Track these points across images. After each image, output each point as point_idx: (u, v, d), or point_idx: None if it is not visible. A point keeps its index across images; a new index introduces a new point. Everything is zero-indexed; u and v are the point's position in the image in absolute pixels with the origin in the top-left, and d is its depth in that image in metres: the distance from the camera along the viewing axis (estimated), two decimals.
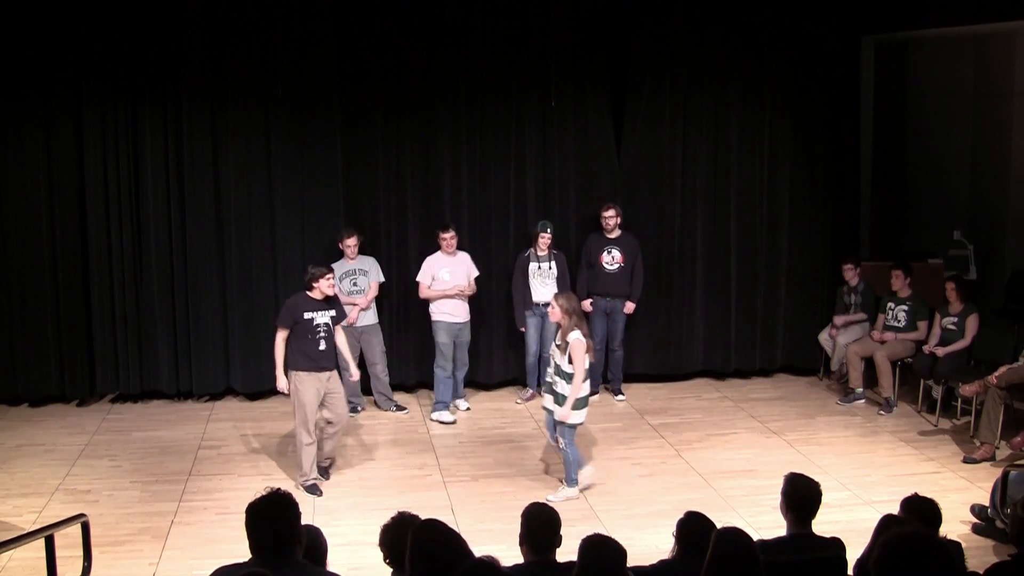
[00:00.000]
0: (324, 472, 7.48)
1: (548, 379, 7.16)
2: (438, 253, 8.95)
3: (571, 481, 7.12)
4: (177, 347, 9.23)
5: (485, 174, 9.50)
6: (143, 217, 9.03)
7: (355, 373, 7.69)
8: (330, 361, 7.27)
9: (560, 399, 6.97)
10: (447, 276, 8.85)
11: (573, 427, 7.06)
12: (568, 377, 6.90)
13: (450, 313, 8.86)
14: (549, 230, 9.02)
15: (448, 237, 8.87)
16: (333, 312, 7.29)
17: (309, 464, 7.24)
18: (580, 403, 6.99)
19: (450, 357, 8.92)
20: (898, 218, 11.18)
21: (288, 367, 7.19)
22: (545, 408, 7.26)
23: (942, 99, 10.76)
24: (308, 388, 7.14)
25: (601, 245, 9.24)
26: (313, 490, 7.19)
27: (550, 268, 9.08)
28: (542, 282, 9.08)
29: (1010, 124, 9.89)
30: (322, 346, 7.18)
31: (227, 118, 9.02)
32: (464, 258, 9.06)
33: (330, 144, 9.20)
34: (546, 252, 9.08)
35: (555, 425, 7.14)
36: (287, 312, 7.22)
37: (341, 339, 7.45)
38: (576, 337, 6.86)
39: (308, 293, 7.21)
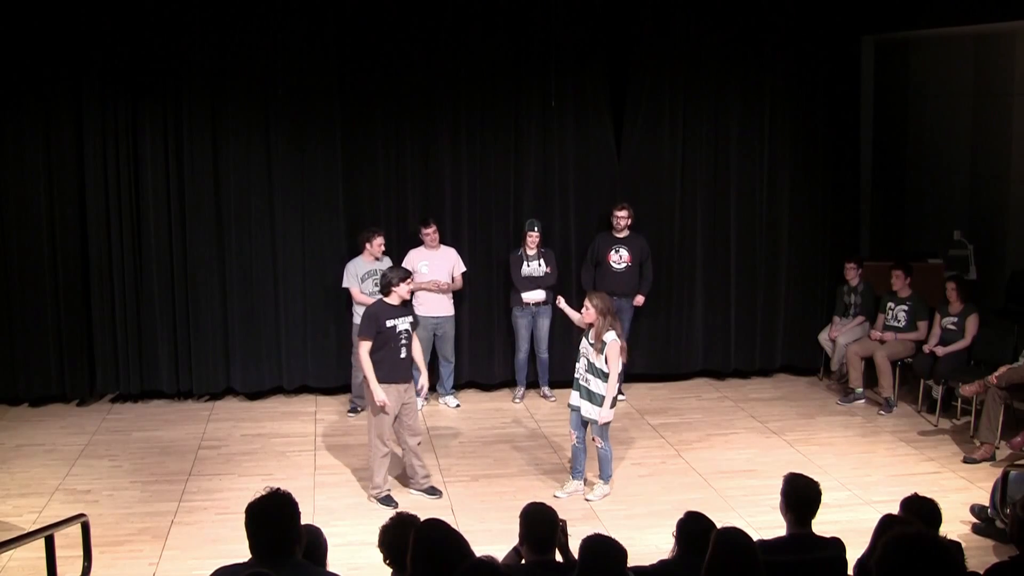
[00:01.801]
0: (433, 490, 7.19)
1: (577, 375, 7.09)
2: (420, 247, 9.00)
3: (607, 477, 7.18)
4: (177, 347, 9.23)
5: (485, 174, 9.49)
6: (143, 217, 9.02)
7: (424, 383, 7.38)
8: (409, 371, 7.02)
9: (595, 398, 6.95)
10: (425, 269, 8.91)
11: (606, 425, 7.07)
12: (604, 376, 6.90)
13: (423, 306, 8.87)
14: (536, 228, 9.04)
15: (430, 232, 8.90)
16: (411, 318, 7.04)
17: (382, 476, 6.99)
18: (612, 402, 7.02)
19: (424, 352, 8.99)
20: (898, 218, 11.18)
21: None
22: (571, 406, 7.16)
23: (942, 99, 10.76)
24: (387, 399, 6.88)
25: (609, 244, 9.25)
26: (388, 501, 6.93)
27: (539, 265, 9.10)
28: (532, 281, 9.12)
29: (1010, 124, 9.89)
30: (403, 354, 6.93)
31: (227, 118, 9.02)
32: (449, 253, 9.07)
33: (330, 144, 9.20)
34: (535, 251, 9.09)
35: (582, 423, 7.12)
36: (369, 322, 6.91)
37: (417, 346, 7.17)
38: (612, 338, 6.87)
39: (385, 300, 6.95)
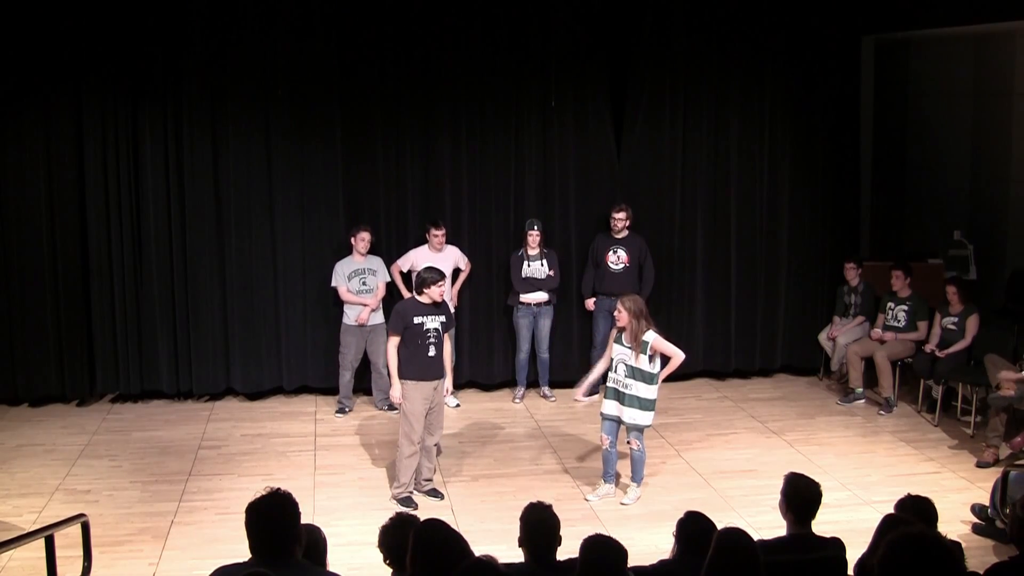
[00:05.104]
0: (435, 492, 7.17)
1: (612, 384, 6.97)
2: (424, 247, 8.98)
3: (639, 480, 7.12)
4: (177, 347, 9.23)
5: (485, 174, 9.49)
6: (143, 217, 9.02)
7: (449, 386, 7.34)
8: (439, 369, 6.98)
9: (644, 403, 6.86)
10: None
11: (645, 428, 7.00)
12: (649, 378, 6.83)
13: None
14: (537, 227, 9.04)
15: (440, 234, 8.90)
16: (443, 317, 6.99)
17: (408, 476, 6.97)
18: (653, 404, 6.94)
19: None
20: (898, 218, 11.18)
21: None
22: (606, 415, 7.02)
23: (942, 99, 10.76)
24: (415, 397, 6.87)
25: (607, 245, 9.25)
26: (408, 503, 6.90)
27: (541, 266, 9.10)
28: (532, 283, 9.12)
29: (1010, 124, 9.89)
30: (431, 352, 6.88)
31: (227, 118, 9.02)
32: (450, 252, 9.06)
33: (330, 144, 9.20)
34: (537, 250, 9.08)
35: (618, 429, 7.04)
36: (397, 317, 6.90)
37: (448, 348, 7.17)
38: (653, 336, 6.80)
39: (418, 298, 6.96)
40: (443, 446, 8.19)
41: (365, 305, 8.81)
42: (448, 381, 7.30)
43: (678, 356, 6.92)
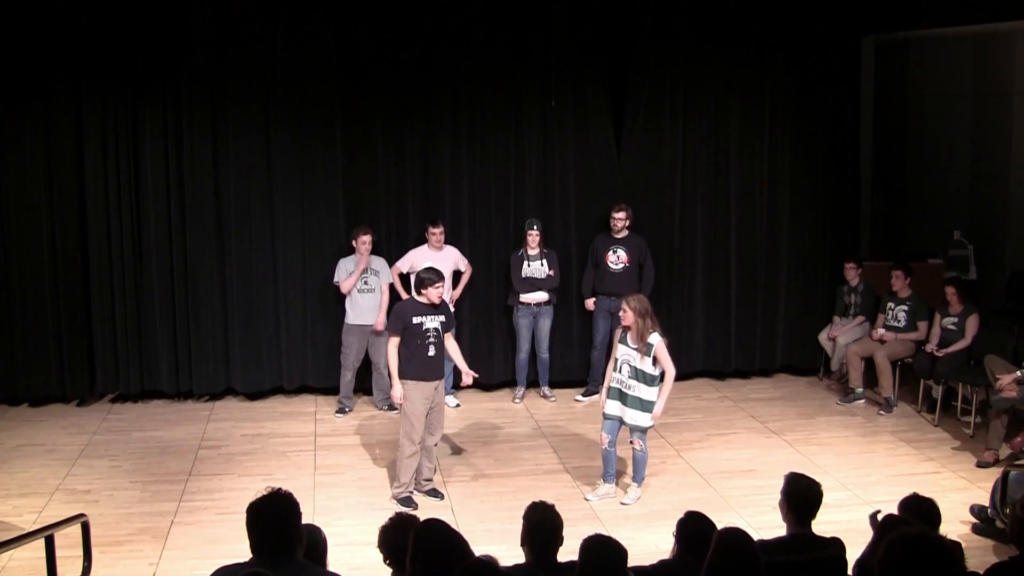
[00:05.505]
0: (435, 492, 7.17)
1: (615, 384, 6.95)
2: (424, 247, 8.98)
3: (641, 480, 7.11)
4: (177, 347, 9.23)
5: (485, 174, 9.50)
6: (143, 217, 9.02)
7: (467, 379, 7.37)
8: (439, 369, 6.99)
9: (646, 404, 6.85)
10: None
11: (647, 429, 6.99)
12: (651, 380, 6.81)
13: None
14: (536, 227, 9.04)
15: (438, 232, 8.90)
16: (443, 317, 6.99)
17: (408, 476, 6.98)
18: (652, 406, 6.91)
19: None
20: (898, 218, 11.19)
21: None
22: (608, 415, 7.00)
23: (942, 99, 10.77)
24: (416, 397, 6.87)
25: (607, 245, 9.24)
26: (408, 503, 6.91)
27: (541, 266, 9.10)
28: (532, 283, 9.12)
29: (1010, 124, 9.90)
30: (431, 352, 6.88)
31: (227, 118, 9.02)
32: (450, 252, 9.06)
33: (330, 144, 9.20)
34: (537, 250, 9.08)
35: (618, 429, 7.03)
36: (397, 317, 6.94)
37: (452, 346, 7.22)
38: (658, 340, 6.77)
39: (417, 298, 7.01)
40: (443, 445, 8.20)
41: (365, 272, 8.80)
42: (463, 365, 7.29)
43: (670, 373, 6.88)
